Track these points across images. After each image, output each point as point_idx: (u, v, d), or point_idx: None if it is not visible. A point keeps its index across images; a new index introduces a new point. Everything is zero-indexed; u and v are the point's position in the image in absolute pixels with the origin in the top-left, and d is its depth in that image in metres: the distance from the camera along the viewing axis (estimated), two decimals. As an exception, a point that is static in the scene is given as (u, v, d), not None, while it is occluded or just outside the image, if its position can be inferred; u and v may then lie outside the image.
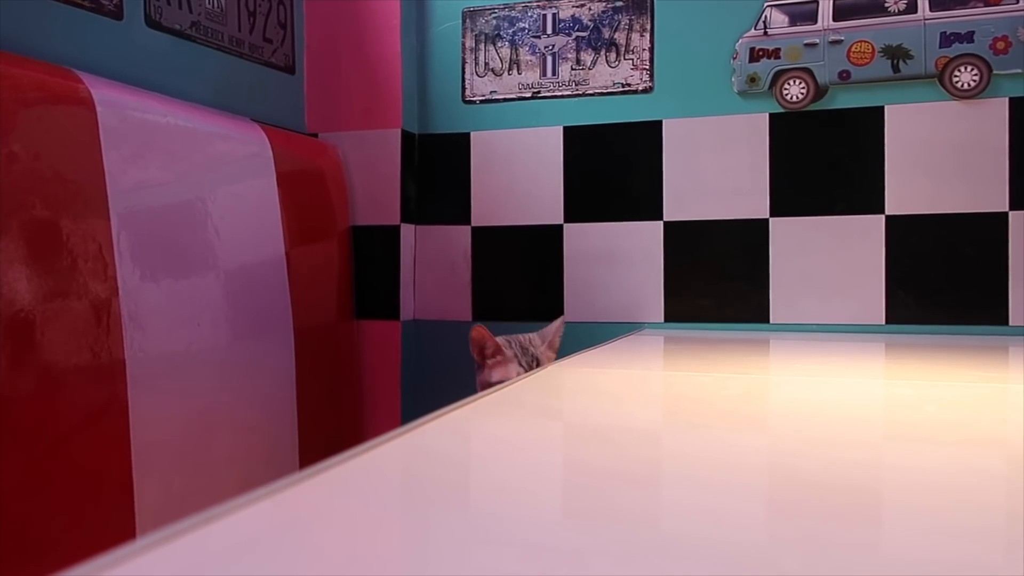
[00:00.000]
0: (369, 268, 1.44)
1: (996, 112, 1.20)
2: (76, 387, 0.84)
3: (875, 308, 1.25)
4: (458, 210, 1.46)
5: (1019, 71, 1.19)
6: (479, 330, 1.12)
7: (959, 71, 1.22)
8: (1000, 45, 1.20)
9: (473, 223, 1.45)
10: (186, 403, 1.00)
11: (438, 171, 1.47)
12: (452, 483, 0.39)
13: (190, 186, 1.04)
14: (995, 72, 1.20)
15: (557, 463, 0.44)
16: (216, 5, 1.23)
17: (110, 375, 0.88)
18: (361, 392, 1.43)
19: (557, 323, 1.21)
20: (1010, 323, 1.20)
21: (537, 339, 1.18)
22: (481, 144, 1.45)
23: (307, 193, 1.31)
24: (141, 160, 0.96)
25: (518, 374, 1.11)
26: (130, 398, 0.90)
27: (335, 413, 1.35)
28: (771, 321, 1.30)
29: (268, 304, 1.18)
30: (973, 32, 1.21)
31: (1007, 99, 1.20)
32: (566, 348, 1.18)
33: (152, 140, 0.98)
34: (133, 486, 0.89)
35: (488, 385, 1.12)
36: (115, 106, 0.92)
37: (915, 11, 1.23)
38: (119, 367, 0.89)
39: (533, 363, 1.13)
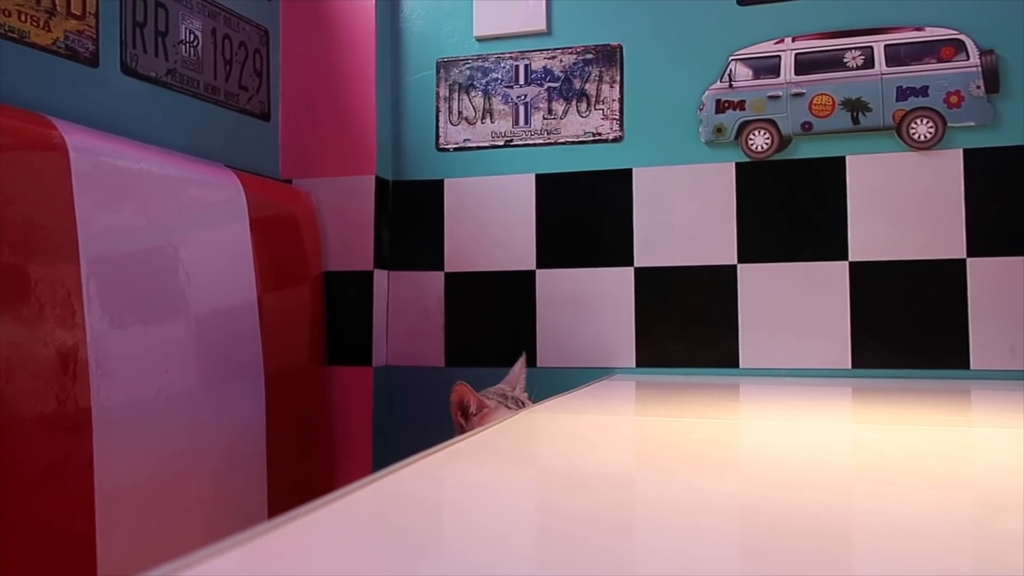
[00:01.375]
0: (342, 314, 1.43)
1: (952, 163, 1.25)
2: (39, 437, 0.82)
3: (842, 352, 1.28)
4: (431, 256, 1.47)
5: (972, 124, 1.24)
6: (460, 388, 1.08)
7: (916, 123, 1.26)
8: (953, 99, 1.25)
9: (446, 269, 1.46)
10: (153, 451, 0.98)
11: (412, 217, 1.49)
12: (426, 530, 0.39)
13: (162, 232, 1.04)
14: (950, 125, 1.25)
15: (531, 509, 0.44)
16: (193, 53, 1.24)
17: (75, 424, 0.86)
18: (333, 439, 1.41)
19: (519, 365, 1.21)
20: (971, 367, 1.22)
21: (506, 386, 1.17)
22: (455, 191, 1.47)
23: (280, 239, 1.31)
24: (113, 206, 0.95)
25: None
26: (95, 447, 0.88)
27: (306, 460, 1.33)
28: (741, 366, 1.31)
29: (239, 350, 1.17)
30: (928, 87, 1.26)
31: (961, 150, 1.25)
32: (540, 394, 1.18)
33: (125, 186, 0.98)
34: (96, 538, 0.87)
35: None
36: (89, 152, 0.92)
37: (872, 66, 1.28)
38: (85, 416, 0.87)
39: (518, 405, 1.12)
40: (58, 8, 0.99)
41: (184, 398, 1.04)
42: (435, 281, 1.46)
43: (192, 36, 1.24)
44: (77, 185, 0.89)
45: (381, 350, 1.45)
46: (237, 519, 1.12)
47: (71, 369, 0.86)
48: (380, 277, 1.45)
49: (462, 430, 1.10)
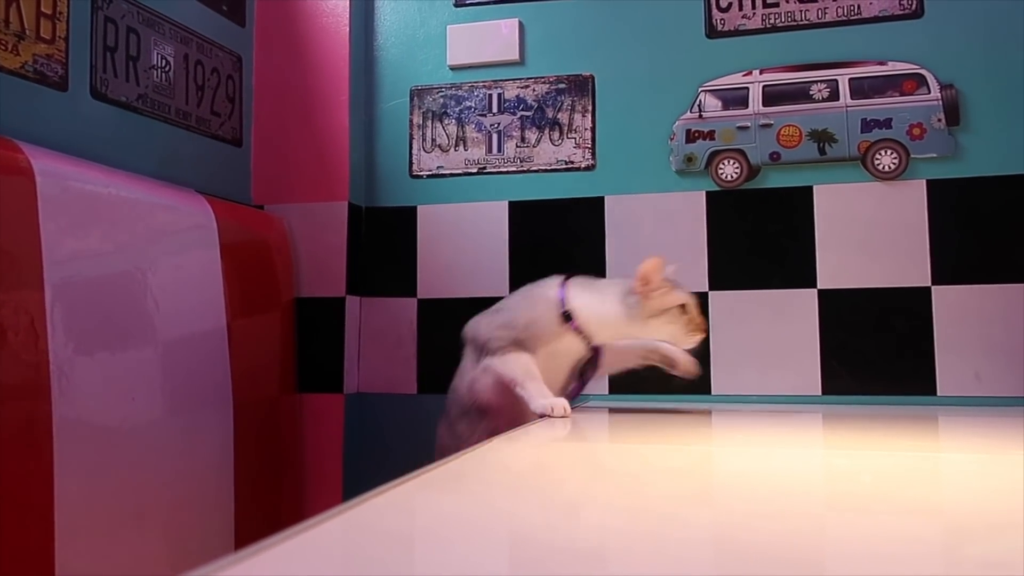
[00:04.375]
0: (313, 340, 1.42)
1: (915, 193, 1.28)
2: (-2, 466, 0.80)
3: (811, 379, 1.29)
4: (404, 282, 1.46)
5: (934, 155, 1.27)
6: (659, 262, 1.01)
7: (880, 154, 1.29)
8: (916, 131, 1.28)
9: (419, 295, 1.45)
10: (116, 480, 0.95)
11: (385, 244, 1.48)
12: (397, 561, 0.38)
13: (130, 257, 1.02)
14: (912, 156, 1.28)
15: (503, 538, 0.44)
16: (164, 78, 1.23)
17: (36, 453, 0.84)
18: (302, 467, 1.39)
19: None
20: (938, 393, 1.24)
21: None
22: (428, 217, 1.47)
23: (251, 265, 1.30)
24: (80, 230, 0.94)
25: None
26: (56, 476, 0.85)
27: (274, 489, 1.31)
28: (713, 392, 1.32)
29: (207, 377, 1.15)
30: (891, 119, 1.29)
31: (924, 181, 1.28)
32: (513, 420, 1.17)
33: (93, 210, 0.96)
34: (55, 569, 0.84)
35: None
36: (56, 176, 0.91)
37: (837, 99, 1.32)
38: (46, 444, 0.85)
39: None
40: (27, 31, 0.98)
41: (150, 426, 1.02)
42: (408, 307, 1.46)
43: (164, 61, 1.23)
44: (43, 209, 0.88)
45: (352, 377, 1.44)
46: (203, 550, 1.10)
47: (33, 395, 0.84)
48: (352, 303, 1.44)
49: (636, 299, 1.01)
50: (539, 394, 0.98)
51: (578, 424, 0.96)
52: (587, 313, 1.04)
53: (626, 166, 1.39)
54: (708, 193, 1.35)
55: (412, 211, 1.48)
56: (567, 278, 1.07)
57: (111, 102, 1.13)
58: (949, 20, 1.29)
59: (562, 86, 1.44)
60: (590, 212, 1.40)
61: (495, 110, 1.46)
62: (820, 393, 1.28)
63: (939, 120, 1.27)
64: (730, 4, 1.37)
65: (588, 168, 1.41)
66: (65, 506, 0.86)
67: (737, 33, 1.37)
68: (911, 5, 1.30)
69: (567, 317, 1.04)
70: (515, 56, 1.45)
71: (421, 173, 1.48)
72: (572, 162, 1.42)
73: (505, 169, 1.45)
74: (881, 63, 1.30)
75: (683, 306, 1.03)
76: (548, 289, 1.07)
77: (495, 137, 1.46)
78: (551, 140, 1.43)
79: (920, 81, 1.29)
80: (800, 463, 0.68)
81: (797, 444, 0.81)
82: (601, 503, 0.52)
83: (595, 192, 1.40)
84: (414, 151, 1.49)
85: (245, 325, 1.24)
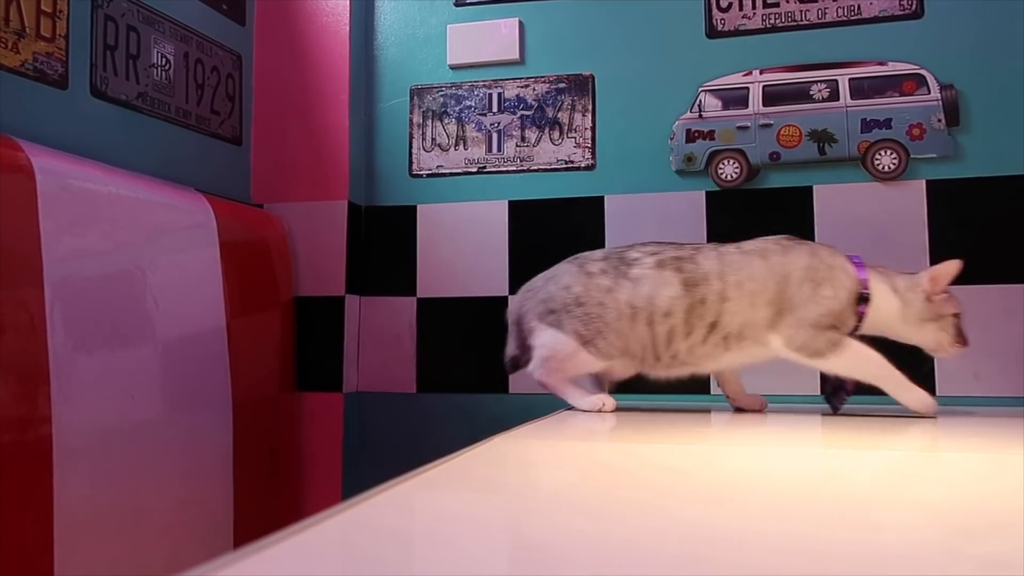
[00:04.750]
0: (312, 339, 1.42)
1: (915, 193, 1.28)
2: (-3, 465, 0.80)
3: (810, 378, 1.29)
4: (404, 281, 1.46)
5: (934, 156, 1.28)
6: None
7: (880, 155, 1.29)
8: (916, 131, 1.28)
9: (418, 294, 1.45)
10: (115, 479, 0.95)
11: (384, 243, 1.48)
12: (397, 560, 0.38)
13: (130, 255, 1.02)
14: (912, 156, 1.28)
15: (504, 538, 0.44)
16: (164, 77, 1.23)
17: (35, 451, 0.84)
18: (301, 466, 1.39)
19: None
20: (937, 393, 1.24)
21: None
22: (427, 217, 1.47)
23: (251, 264, 1.30)
24: (80, 229, 0.94)
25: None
26: (55, 475, 0.85)
27: (273, 488, 1.31)
28: (712, 392, 1.32)
29: (206, 376, 1.15)
30: (891, 119, 1.29)
31: (924, 181, 1.28)
32: (513, 420, 1.17)
33: (92, 209, 0.96)
34: (54, 568, 0.84)
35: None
36: (55, 174, 0.91)
37: (837, 99, 1.32)
38: (45, 442, 0.85)
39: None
40: (27, 29, 0.98)
41: (149, 424, 1.02)
42: (407, 307, 1.46)
43: (164, 60, 1.23)
44: (43, 208, 0.88)
45: (352, 376, 1.44)
46: (202, 548, 1.10)
47: (32, 395, 0.84)
48: (352, 302, 1.44)
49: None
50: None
51: (578, 423, 0.96)
52: (876, 302, 1.00)
53: (626, 166, 1.39)
54: (708, 193, 1.36)
55: (412, 210, 1.48)
56: (853, 257, 1.02)
57: (111, 100, 1.13)
58: (949, 20, 1.29)
59: (562, 86, 1.44)
60: (590, 212, 1.40)
61: (495, 109, 1.46)
62: (819, 392, 1.28)
63: (939, 120, 1.27)
64: (730, 4, 1.37)
65: (588, 168, 1.41)
66: (64, 505, 0.86)
67: (737, 33, 1.37)
68: (911, 5, 1.30)
69: (862, 299, 1.00)
70: (515, 55, 1.45)
71: (421, 172, 1.48)
72: (572, 162, 1.42)
73: (505, 168, 1.45)
74: (881, 63, 1.31)
75: (956, 315, 1.01)
76: (844, 264, 1.02)
77: (495, 136, 1.46)
78: (551, 140, 1.43)
79: (920, 81, 1.29)
80: (800, 463, 0.68)
81: (796, 444, 0.81)
82: (601, 502, 0.52)
83: (595, 192, 1.40)
84: (414, 150, 1.49)
85: (244, 324, 1.24)
